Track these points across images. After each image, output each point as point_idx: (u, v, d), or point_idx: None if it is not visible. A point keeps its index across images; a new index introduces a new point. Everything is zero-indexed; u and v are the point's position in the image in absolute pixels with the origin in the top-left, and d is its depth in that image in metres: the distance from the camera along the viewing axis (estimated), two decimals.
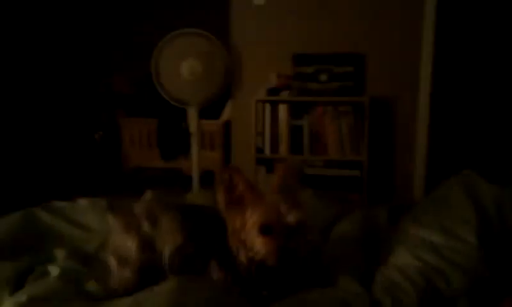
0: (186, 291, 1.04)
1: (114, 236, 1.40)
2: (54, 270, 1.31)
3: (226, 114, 4.18)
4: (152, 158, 4.17)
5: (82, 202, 1.69)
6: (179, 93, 3.32)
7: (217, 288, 1.11)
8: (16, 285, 1.26)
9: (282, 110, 3.34)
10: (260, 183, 3.39)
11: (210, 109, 3.70)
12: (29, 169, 3.87)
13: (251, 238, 1.15)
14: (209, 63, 3.27)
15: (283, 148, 3.37)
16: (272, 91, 3.39)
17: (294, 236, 1.12)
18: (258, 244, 1.13)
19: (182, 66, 3.23)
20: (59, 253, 1.41)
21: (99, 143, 4.39)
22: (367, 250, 1.41)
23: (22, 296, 1.13)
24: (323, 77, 3.37)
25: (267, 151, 3.39)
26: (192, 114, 3.42)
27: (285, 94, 3.38)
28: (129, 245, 1.36)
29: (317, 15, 3.42)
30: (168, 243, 1.35)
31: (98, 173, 4.28)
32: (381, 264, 1.29)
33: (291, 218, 1.12)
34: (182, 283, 1.09)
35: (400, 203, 1.85)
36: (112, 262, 1.35)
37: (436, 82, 3.31)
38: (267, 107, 3.35)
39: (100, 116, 4.54)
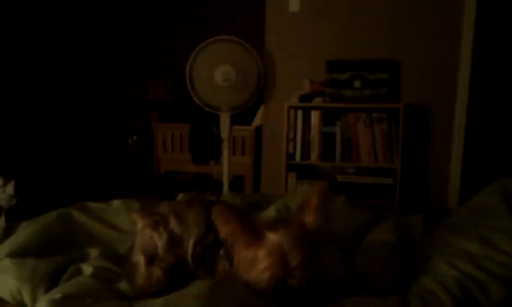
0: (217, 294, 1.03)
1: (141, 235, 1.41)
2: (87, 269, 1.33)
3: (258, 119, 4.18)
4: (184, 162, 4.22)
5: (116, 203, 1.71)
6: (212, 99, 3.35)
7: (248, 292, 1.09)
8: (50, 283, 1.29)
9: (314, 116, 3.32)
10: (290, 189, 3.39)
11: (242, 115, 3.72)
12: (66, 171, 3.98)
13: (260, 280, 1.07)
14: (243, 70, 3.28)
15: (314, 155, 3.34)
16: (305, 98, 3.37)
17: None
18: (268, 290, 1.06)
19: (215, 72, 3.26)
20: (93, 252, 1.43)
21: (133, 147, 4.48)
22: (401, 258, 1.37)
23: (56, 294, 1.14)
24: (357, 84, 3.33)
25: (298, 157, 3.36)
26: (224, 120, 3.44)
27: (317, 101, 3.35)
28: (157, 243, 1.36)
29: (351, 22, 3.39)
30: (191, 236, 1.35)
31: (131, 176, 4.37)
32: (416, 273, 1.25)
33: (296, 281, 1.03)
34: (213, 285, 1.09)
35: (435, 211, 1.79)
36: (140, 261, 1.36)
37: (474, 90, 3.22)
38: (299, 113, 3.34)
39: (135, 121, 4.64)
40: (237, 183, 3.64)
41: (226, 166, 3.50)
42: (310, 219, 1.13)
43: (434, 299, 1.08)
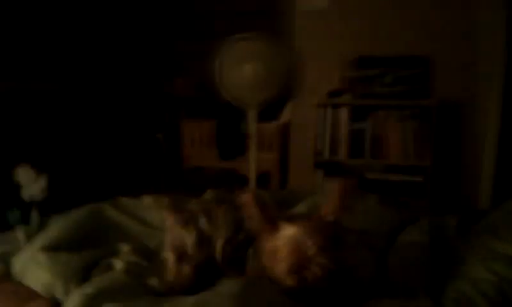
0: (248, 293, 1.03)
1: (171, 232, 1.41)
2: (118, 264, 1.34)
3: (285, 115, 4.15)
4: (211, 158, 4.22)
5: (146, 199, 1.72)
6: (241, 95, 3.33)
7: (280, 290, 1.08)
8: (82, 277, 1.30)
9: (343, 113, 3.27)
10: (317, 186, 3.36)
11: (269, 111, 3.69)
12: (97, 166, 4.03)
13: (280, 272, 1.07)
14: (272, 66, 3.25)
15: (342, 152, 3.30)
16: (334, 94, 3.33)
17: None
18: (290, 283, 1.06)
19: (244, 68, 3.24)
20: (124, 248, 1.44)
21: (161, 143, 4.50)
22: (435, 259, 1.33)
23: (88, 288, 1.15)
24: (388, 80, 3.27)
25: (326, 154, 3.33)
26: (251, 116, 3.42)
27: (346, 97, 3.31)
28: (187, 240, 1.37)
29: (381, 16, 3.32)
30: (221, 236, 1.35)
31: (159, 172, 4.40)
32: (451, 275, 1.21)
33: (315, 270, 1.02)
34: (244, 284, 1.08)
35: (469, 212, 1.73)
36: (170, 258, 1.36)
37: (508, 87, 3.12)
38: (328, 109, 3.30)
39: (163, 118, 4.66)
40: (263, 179, 3.62)
41: (253, 162, 3.48)
42: (330, 210, 1.11)
43: (471, 304, 1.04)
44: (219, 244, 1.35)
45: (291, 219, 1.14)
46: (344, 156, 3.29)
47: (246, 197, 1.15)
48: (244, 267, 1.28)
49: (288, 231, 1.10)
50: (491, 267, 1.16)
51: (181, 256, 1.35)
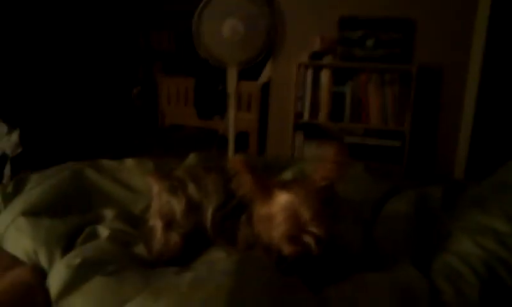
0: (246, 270, 1.01)
1: (158, 199, 1.38)
2: (103, 232, 1.30)
3: (265, 76, 4.09)
4: (188, 116, 4.15)
5: (129, 162, 1.67)
6: (220, 53, 3.24)
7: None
8: (66, 244, 1.26)
9: (324, 75, 3.24)
10: (297, 148, 3.36)
11: (248, 70, 3.63)
12: (70, 121, 3.91)
13: (275, 238, 1.06)
14: (252, 24, 3.16)
15: (323, 114, 3.29)
16: (316, 55, 3.28)
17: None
18: (286, 250, 1.05)
19: (224, 25, 3.14)
20: (108, 213, 1.41)
21: (136, 98, 4.40)
22: (420, 231, 1.35)
23: (75, 259, 1.12)
24: (369, 43, 3.23)
25: (306, 116, 3.31)
26: (231, 75, 3.35)
27: (328, 59, 3.26)
28: (176, 208, 1.34)
29: None
30: (211, 203, 1.32)
31: (135, 128, 4.31)
32: (439, 248, 1.23)
33: (310, 235, 1.01)
34: (240, 260, 1.06)
35: (454, 183, 1.76)
36: (158, 226, 1.33)
37: (489, 53, 3.13)
38: (309, 71, 3.26)
39: (138, 72, 4.53)
40: (241, 139, 3.59)
41: (232, 122, 3.44)
42: (323, 175, 1.08)
43: (461, 279, 1.06)
44: (209, 212, 1.32)
45: (284, 185, 1.12)
46: (324, 119, 3.28)
47: (237, 164, 1.11)
48: (235, 236, 1.26)
49: (282, 197, 1.07)
50: (479, 241, 1.17)
51: (169, 223, 1.32)
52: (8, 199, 1.51)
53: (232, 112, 3.43)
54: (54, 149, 3.12)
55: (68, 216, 1.36)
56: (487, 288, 1.04)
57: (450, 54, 3.19)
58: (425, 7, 3.18)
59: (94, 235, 1.29)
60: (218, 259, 1.23)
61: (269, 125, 3.64)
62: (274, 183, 1.12)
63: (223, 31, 3.17)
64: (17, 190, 1.58)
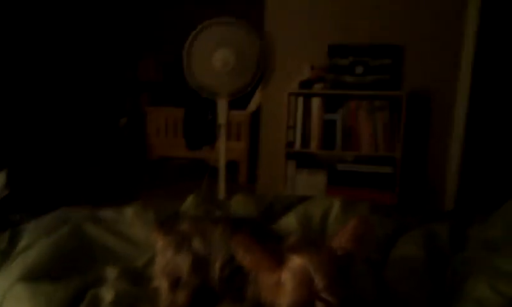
0: None
1: (162, 256, 1.33)
2: (107, 295, 1.24)
3: (254, 104, 4.08)
4: (177, 147, 4.10)
5: (129, 213, 1.61)
6: (210, 84, 3.23)
7: None
8: None
9: (315, 103, 3.24)
10: (289, 178, 3.33)
11: (237, 99, 3.61)
12: (58, 158, 3.82)
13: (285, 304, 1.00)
14: (242, 54, 3.16)
15: (314, 143, 3.27)
16: (306, 84, 3.28)
17: None
18: None
19: (214, 56, 3.14)
20: (110, 272, 1.34)
21: (123, 130, 4.33)
22: (433, 276, 1.32)
23: None
24: (359, 70, 3.25)
25: (298, 145, 3.29)
26: (222, 106, 3.33)
27: (318, 87, 3.27)
28: (182, 265, 1.29)
29: (353, 5, 3.28)
30: (218, 257, 1.28)
31: (123, 161, 4.23)
32: (454, 295, 1.20)
33: (329, 299, 0.95)
34: None
35: (460, 216, 1.74)
36: (163, 285, 1.28)
37: (476, 78, 3.17)
38: (300, 99, 3.25)
39: (125, 103, 4.47)
40: (231, 168, 3.56)
41: (223, 153, 3.41)
42: (341, 244, 1.06)
43: None
44: (216, 266, 1.28)
45: (296, 250, 1.08)
46: (315, 147, 3.27)
47: (242, 240, 1.07)
48: (244, 292, 1.22)
49: (295, 263, 1.03)
50: (496, 286, 1.14)
51: (175, 282, 1.27)
52: (3, 256, 1.44)
53: (223, 143, 3.40)
54: (42, 185, 3.04)
55: (68, 278, 1.29)
56: None
57: (438, 79, 3.22)
58: (413, 34, 3.22)
59: (97, 300, 1.22)
60: None
61: (260, 154, 3.62)
62: (287, 247, 1.08)
63: (213, 62, 3.15)
64: (12, 246, 1.51)
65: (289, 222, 1.59)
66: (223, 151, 3.41)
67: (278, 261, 1.05)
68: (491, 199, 3.19)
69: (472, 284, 1.21)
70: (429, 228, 1.57)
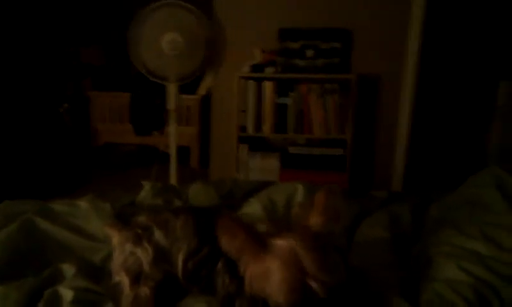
0: None
1: (121, 251, 1.26)
2: (66, 294, 1.15)
3: (203, 88, 3.99)
4: (124, 133, 3.95)
5: (83, 205, 1.51)
6: (159, 68, 3.11)
7: None
8: None
9: (267, 87, 3.21)
10: (242, 162, 3.30)
11: (186, 83, 3.52)
12: None
13: (276, 295, 0.99)
14: (191, 37, 3.06)
15: (267, 127, 3.26)
16: (257, 67, 3.24)
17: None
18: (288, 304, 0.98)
19: (162, 39, 3.02)
20: (67, 269, 1.26)
21: (65, 116, 4.10)
22: (401, 258, 1.34)
23: None
24: (309, 53, 3.25)
25: (251, 129, 3.26)
26: (171, 90, 3.22)
27: (269, 71, 3.24)
28: (142, 259, 1.23)
29: None
30: (182, 249, 1.23)
31: (66, 148, 4.01)
32: (424, 277, 1.22)
33: (320, 286, 0.95)
34: None
35: (418, 198, 1.78)
36: (124, 281, 1.22)
37: (423, 62, 3.26)
38: (251, 83, 3.21)
39: (66, 88, 4.22)
40: (182, 154, 3.47)
41: (173, 139, 3.31)
42: (316, 220, 1.04)
43: None
44: (179, 259, 1.23)
45: (278, 235, 1.05)
46: (268, 131, 3.26)
47: (225, 224, 1.03)
48: (213, 284, 1.18)
49: (282, 250, 1.00)
50: (463, 266, 1.17)
51: (137, 277, 1.21)
52: None
53: (173, 128, 3.30)
54: None
55: (22, 277, 1.19)
56: None
57: (387, 63, 3.29)
58: (361, 18, 3.26)
59: (56, 299, 1.14)
60: None
61: (212, 138, 3.56)
62: (268, 233, 1.05)
63: (161, 45, 3.04)
64: None
65: (253, 209, 1.56)
66: (173, 136, 3.31)
67: (262, 246, 1.02)
68: (437, 180, 3.35)
69: (438, 264, 1.23)
70: (391, 209, 1.60)
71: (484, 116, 3.55)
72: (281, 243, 1.00)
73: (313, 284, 0.96)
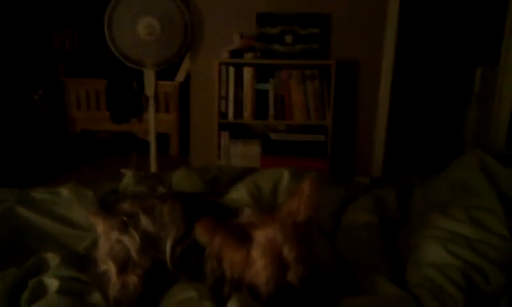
0: None
1: (106, 239, 1.23)
2: (51, 283, 1.12)
3: (182, 74, 3.93)
4: (101, 120, 3.86)
5: (65, 193, 1.47)
6: (136, 54, 3.05)
7: None
8: (9, 304, 1.07)
9: (247, 73, 3.18)
10: (223, 149, 3.27)
11: (164, 69, 3.46)
12: None
13: (258, 281, 1.01)
14: (169, 22, 3.01)
15: (247, 113, 3.23)
16: (236, 53, 3.21)
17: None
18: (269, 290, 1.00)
19: (138, 24, 2.96)
20: (51, 258, 1.22)
21: (39, 103, 3.97)
22: (388, 242, 1.35)
23: None
24: (288, 39, 3.23)
25: (231, 116, 3.24)
26: (149, 76, 3.17)
27: (249, 56, 3.21)
28: (130, 246, 1.21)
29: None
30: (170, 235, 1.22)
31: (42, 136, 3.89)
32: (411, 260, 1.23)
33: (295, 275, 0.98)
34: None
35: (402, 181, 1.79)
36: (111, 269, 1.19)
37: (401, 47, 3.29)
38: (231, 69, 3.18)
39: (40, 74, 4.08)
40: (161, 141, 3.43)
41: (153, 126, 3.26)
42: (301, 209, 1.06)
43: (445, 294, 1.07)
44: (167, 245, 1.21)
45: (260, 225, 1.06)
46: (248, 117, 3.23)
47: (205, 225, 1.03)
48: (202, 270, 1.17)
49: (263, 239, 1.02)
50: (452, 249, 1.18)
51: (124, 265, 1.19)
52: None
53: (152, 115, 3.26)
54: None
55: (5, 268, 1.16)
56: (469, 299, 1.06)
57: (365, 48, 3.30)
58: (340, 3, 3.24)
59: (41, 289, 1.11)
60: (188, 299, 1.12)
61: (192, 125, 3.52)
62: (250, 223, 1.06)
63: (138, 30, 2.97)
64: None
65: (240, 194, 1.55)
66: (152, 123, 3.27)
67: (243, 238, 1.03)
68: (415, 165, 3.40)
69: (426, 248, 1.25)
70: (376, 194, 1.61)
71: (461, 101, 3.61)
72: (262, 233, 1.02)
73: (291, 276, 0.98)
